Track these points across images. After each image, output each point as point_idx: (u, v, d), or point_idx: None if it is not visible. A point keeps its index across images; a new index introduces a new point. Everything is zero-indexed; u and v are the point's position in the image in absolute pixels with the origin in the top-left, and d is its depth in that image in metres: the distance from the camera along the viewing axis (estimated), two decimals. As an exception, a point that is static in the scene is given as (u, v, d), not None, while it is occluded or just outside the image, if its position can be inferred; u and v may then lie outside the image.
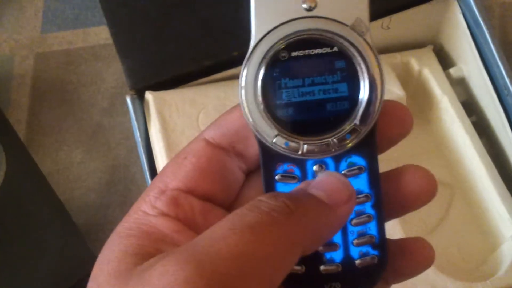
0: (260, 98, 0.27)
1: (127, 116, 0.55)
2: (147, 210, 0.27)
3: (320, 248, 0.28)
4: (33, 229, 0.64)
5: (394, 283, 0.29)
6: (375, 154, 0.28)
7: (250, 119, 0.27)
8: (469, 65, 0.58)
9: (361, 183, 0.28)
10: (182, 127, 0.53)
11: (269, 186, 0.28)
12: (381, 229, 0.28)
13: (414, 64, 0.59)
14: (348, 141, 0.27)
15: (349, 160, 0.28)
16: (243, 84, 0.27)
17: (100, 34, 0.72)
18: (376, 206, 0.28)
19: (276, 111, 0.27)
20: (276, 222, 0.24)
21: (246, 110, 0.27)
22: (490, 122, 0.57)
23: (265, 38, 0.27)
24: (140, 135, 0.53)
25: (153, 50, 0.56)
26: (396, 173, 0.28)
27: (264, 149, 0.27)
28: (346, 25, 0.27)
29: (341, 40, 0.27)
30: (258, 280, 0.22)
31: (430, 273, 0.48)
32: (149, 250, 0.25)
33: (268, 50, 0.27)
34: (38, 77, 0.72)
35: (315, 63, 0.27)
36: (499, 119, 0.54)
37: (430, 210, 0.54)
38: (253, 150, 0.28)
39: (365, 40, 0.27)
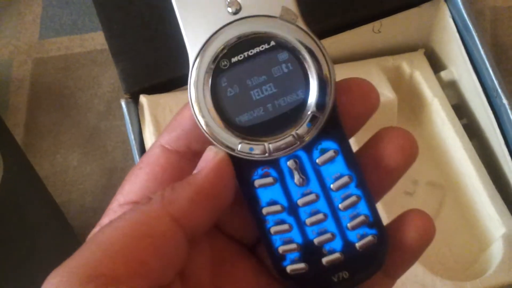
0: (214, 111, 0.27)
1: (124, 119, 0.56)
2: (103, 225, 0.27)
3: (317, 241, 0.27)
4: (29, 232, 0.65)
5: (397, 275, 0.29)
6: (343, 134, 0.28)
7: (210, 135, 0.27)
8: (460, 68, 0.58)
9: (339, 166, 0.27)
10: (175, 129, 0.53)
11: (250, 195, 0.28)
12: (371, 206, 0.28)
13: (406, 68, 0.60)
14: (310, 130, 0.27)
15: (320, 147, 0.27)
16: (193, 101, 0.27)
17: (97, 40, 0.73)
18: (360, 184, 0.27)
19: (233, 120, 0.27)
20: (136, 209, 0.25)
21: (204, 126, 0.27)
22: (480, 124, 0.58)
23: (202, 52, 0.27)
24: (135, 139, 0.54)
25: (147, 53, 0.57)
26: (373, 141, 0.28)
27: (233, 160, 0.27)
28: (275, 17, 0.27)
29: (274, 33, 0.26)
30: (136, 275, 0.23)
31: (419, 273, 0.49)
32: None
33: (208, 64, 0.27)
34: (36, 81, 0.73)
35: (257, 63, 0.27)
36: (489, 121, 0.55)
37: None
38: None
39: (297, 26, 0.27)
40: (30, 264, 0.67)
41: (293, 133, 0.27)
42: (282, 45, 0.27)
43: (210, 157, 0.27)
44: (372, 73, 0.57)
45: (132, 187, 0.28)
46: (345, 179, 0.27)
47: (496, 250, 0.51)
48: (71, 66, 0.73)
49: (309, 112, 0.27)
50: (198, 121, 0.27)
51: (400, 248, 0.28)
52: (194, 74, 0.27)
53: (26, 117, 0.71)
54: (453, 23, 0.57)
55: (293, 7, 0.27)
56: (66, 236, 0.67)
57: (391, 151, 0.27)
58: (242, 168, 0.27)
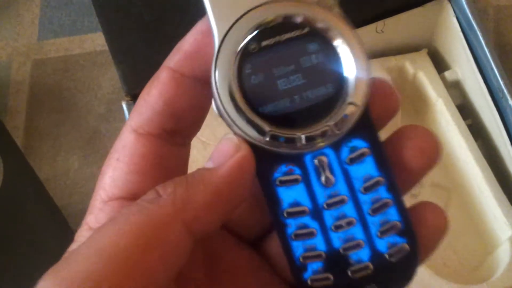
0: (240, 99, 0.24)
1: (124, 121, 0.55)
2: (91, 224, 0.25)
3: (343, 249, 0.25)
4: (30, 235, 0.64)
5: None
6: (375, 132, 0.25)
7: (234, 125, 0.24)
8: (464, 68, 0.58)
9: (369, 167, 0.25)
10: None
11: (271, 194, 0.25)
12: (403, 212, 0.25)
13: (409, 68, 0.59)
14: (347, 121, 0.24)
15: (349, 145, 0.25)
16: (218, 87, 0.24)
17: (97, 41, 0.73)
18: (391, 188, 0.25)
19: (261, 109, 0.24)
20: (142, 209, 0.22)
21: (227, 115, 0.24)
22: (485, 124, 0.57)
23: (229, 34, 0.24)
24: (136, 141, 0.53)
25: (148, 55, 0.56)
26: (393, 139, 0.26)
27: (255, 153, 0.24)
28: (312, 2, 0.25)
29: (309, 19, 0.24)
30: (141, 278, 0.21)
31: (425, 276, 0.48)
32: None
33: (237, 44, 0.24)
34: (35, 83, 0.72)
35: (290, 49, 0.25)
36: (494, 121, 0.54)
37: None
38: (187, 120, 0.26)
39: (334, 13, 0.25)
40: (31, 267, 0.66)
41: (329, 123, 0.24)
42: (317, 33, 0.25)
43: (231, 151, 0.24)
44: (376, 74, 0.57)
45: (114, 181, 0.25)
46: (375, 181, 0.25)
47: (503, 253, 0.50)
48: (70, 68, 0.72)
49: (345, 103, 0.25)
50: (222, 105, 0.24)
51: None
52: (221, 54, 0.24)
53: (26, 119, 0.71)
54: (457, 23, 0.56)
55: None
56: (66, 239, 0.66)
57: (413, 152, 0.25)
58: (263, 163, 0.25)
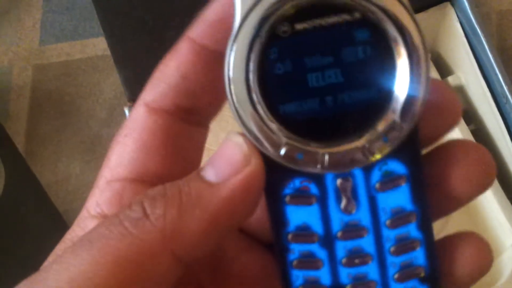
0: (257, 93, 0.19)
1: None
2: (90, 209, 0.22)
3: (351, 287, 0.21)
4: (31, 240, 0.64)
5: None
6: (418, 156, 0.21)
7: (245, 123, 0.20)
8: (467, 73, 0.57)
9: (402, 198, 0.21)
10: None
11: (276, 211, 0.21)
12: (431, 256, 0.21)
13: (412, 73, 0.59)
14: (385, 146, 0.20)
15: (384, 168, 0.20)
16: (231, 75, 0.20)
17: (98, 46, 0.73)
18: (424, 226, 0.21)
19: (281, 110, 0.20)
20: (125, 234, 0.19)
21: (238, 111, 0.20)
22: (489, 130, 0.57)
23: (256, 8, 0.19)
24: (138, 146, 0.53)
25: (150, 60, 0.56)
26: (440, 156, 0.21)
27: (267, 161, 0.20)
28: None
29: (365, 2, 0.19)
30: None
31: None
32: None
33: (262, 25, 0.19)
34: (36, 88, 0.72)
35: (330, 38, 0.19)
36: (498, 127, 0.54)
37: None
38: (204, 100, 0.22)
39: (399, 1, 0.19)
40: (32, 272, 0.66)
41: (362, 145, 0.19)
42: (371, 23, 0.19)
43: (238, 162, 0.20)
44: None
45: (120, 159, 0.22)
46: (406, 216, 0.21)
47: (507, 259, 0.50)
48: (72, 73, 0.72)
49: (389, 120, 0.19)
50: (233, 96, 0.20)
51: (447, 281, 0.22)
52: (241, 33, 0.19)
53: (27, 125, 0.71)
54: (460, 28, 0.56)
55: None
56: (68, 245, 0.66)
57: (463, 179, 0.21)
58: (273, 174, 0.20)
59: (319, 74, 0.19)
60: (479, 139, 0.56)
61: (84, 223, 0.22)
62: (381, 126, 0.19)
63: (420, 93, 0.19)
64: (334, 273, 0.21)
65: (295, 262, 0.21)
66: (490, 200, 0.53)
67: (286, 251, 0.21)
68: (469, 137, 0.56)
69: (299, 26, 0.19)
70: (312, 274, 0.21)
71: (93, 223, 0.21)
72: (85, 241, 0.19)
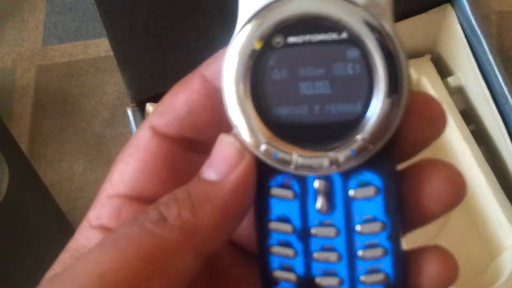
0: (247, 94, 0.22)
1: (129, 127, 0.55)
2: (92, 220, 0.24)
3: (319, 280, 0.23)
4: (35, 240, 0.64)
5: None
6: (394, 170, 0.22)
7: (234, 122, 0.22)
8: (467, 74, 0.58)
9: (375, 208, 0.22)
10: (182, 138, 0.53)
11: (260, 201, 0.23)
12: (397, 266, 0.22)
13: (413, 73, 0.59)
14: (352, 159, 0.21)
15: (360, 177, 0.22)
16: (226, 77, 0.22)
17: (101, 46, 0.73)
18: (393, 237, 0.22)
19: (267, 113, 0.22)
20: (149, 233, 0.20)
21: (229, 110, 0.22)
22: (488, 130, 0.57)
23: (254, 19, 0.21)
24: (141, 147, 0.53)
25: (153, 61, 0.56)
26: (413, 175, 0.23)
27: (256, 157, 0.22)
28: (359, 4, 0.21)
29: (353, 24, 0.21)
30: None
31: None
32: None
33: (258, 35, 0.21)
34: (39, 89, 0.72)
35: (318, 53, 0.21)
36: (498, 127, 0.54)
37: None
38: (209, 134, 0.24)
39: (382, 23, 0.21)
40: (35, 272, 0.67)
41: (330, 154, 0.21)
42: (355, 42, 0.21)
43: (234, 158, 0.22)
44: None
45: (122, 176, 0.24)
46: (377, 225, 0.22)
47: (507, 259, 0.50)
48: (75, 73, 0.72)
49: (358, 137, 0.21)
50: (224, 99, 0.22)
51: None
52: (238, 42, 0.21)
53: (31, 125, 0.71)
54: (460, 29, 0.56)
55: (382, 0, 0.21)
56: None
57: (433, 198, 0.22)
58: (261, 168, 0.22)
59: (305, 83, 0.21)
60: (479, 139, 0.57)
61: (86, 233, 0.23)
62: (352, 140, 0.21)
63: (393, 116, 0.21)
64: (307, 265, 0.23)
65: (272, 248, 0.23)
66: (490, 200, 0.53)
67: (265, 237, 0.23)
68: (469, 137, 0.56)
69: (292, 40, 0.21)
70: (287, 261, 0.23)
71: (94, 234, 0.23)
72: (110, 241, 0.21)
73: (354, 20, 0.21)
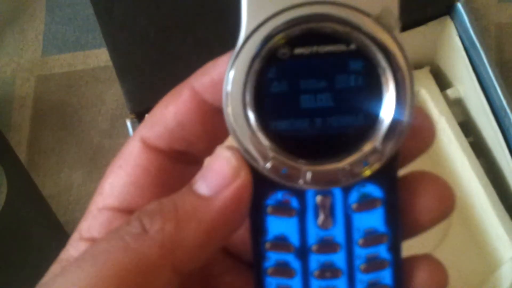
0: (251, 107, 0.21)
1: (128, 138, 0.55)
2: (82, 232, 0.24)
3: None
4: (33, 250, 0.64)
5: None
6: (395, 182, 0.22)
7: (237, 135, 0.21)
8: (466, 86, 0.58)
9: (376, 219, 0.22)
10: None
11: (257, 220, 0.22)
12: (398, 277, 0.22)
13: (412, 85, 0.59)
14: (365, 169, 0.21)
15: (362, 190, 0.22)
16: (228, 88, 0.21)
17: (100, 57, 0.73)
18: (394, 248, 0.22)
19: (272, 126, 0.21)
20: (127, 248, 0.20)
21: (232, 123, 0.21)
22: (487, 142, 0.57)
23: (260, 29, 0.21)
24: (140, 158, 0.53)
25: (152, 73, 0.56)
26: (404, 187, 0.23)
27: (253, 173, 0.21)
28: (369, 16, 0.20)
29: (362, 35, 0.20)
30: None
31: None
32: None
33: (263, 45, 0.21)
34: (39, 99, 0.72)
35: (325, 64, 0.21)
36: (497, 139, 0.54)
37: (429, 231, 0.54)
38: (198, 147, 0.23)
39: (393, 36, 0.20)
40: (33, 283, 0.66)
41: (343, 166, 0.21)
42: (364, 54, 0.21)
43: (228, 175, 0.21)
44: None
45: (112, 189, 0.24)
46: (378, 237, 0.22)
47: (506, 272, 0.50)
48: (74, 83, 0.72)
49: (371, 146, 0.21)
50: (226, 113, 0.21)
51: None
52: (244, 51, 0.21)
53: (29, 135, 0.71)
54: (459, 41, 0.56)
55: (395, 11, 0.21)
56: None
57: (425, 209, 0.23)
58: (258, 184, 0.21)
59: (311, 96, 0.21)
60: (478, 151, 0.57)
61: (77, 245, 0.23)
62: (363, 151, 0.21)
63: (403, 125, 0.21)
64: (306, 284, 0.22)
65: (270, 270, 0.22)
66: (488, 213, 0.53)
67: (263, 259, 0.22)
68: (468, 149, 0.56)
69: (298, 51, 0.21)
70: (284, 282, 0.22)
71: (84, 246, 0.23)
72: (88, 256, 0.21)
73: (364, 32, 0.20)
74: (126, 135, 0.68)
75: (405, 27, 0.56)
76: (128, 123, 0.54)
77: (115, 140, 0.70)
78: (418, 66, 0.61)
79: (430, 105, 0.58)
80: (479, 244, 0.55)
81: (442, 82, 0.61)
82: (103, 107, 0.71)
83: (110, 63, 0.57)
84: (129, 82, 0.55)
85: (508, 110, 0.52)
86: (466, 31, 0.55)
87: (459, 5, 0.54)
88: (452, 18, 0.57)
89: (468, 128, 0.59)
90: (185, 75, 0.57)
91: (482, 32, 0.62)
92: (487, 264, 0.53)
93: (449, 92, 0.59)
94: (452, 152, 0.57)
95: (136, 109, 0.55)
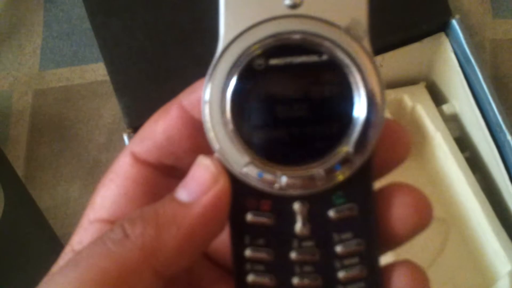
0: (228, 116, 0.22)
1: (124, 152, 0.55)
2: (74, 245, 0.24)
3: None
4: (30, 264, 0.64)
5: None
6: (370, 191, 0.23)
7: (216, 143, 0.22)
8: (461, 101, 0.58)
9: (352, 228, 0.22)
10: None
11: (236, 229, 0.23)
12: (377, 285, 0.23)
13: (407, 101, 0.60)
14: (338, 173, 0.22)
15: (339, 198, 0.22)
16: (207, 98, 0.22)
17: (98, 71, 0.73)
18: (372, 256, 0.23)
19: (249, 133, 0.22)
20: (108, 253, 0.20)
21: (211, 131, 0.22)
22: (483, 157, 0.58)
23: (237, 41, 0.22)
24: (137, 173, 0.53)
25: (150, 88, 0.57)
26: (381, 198, 0.23)
27: (233, 181, 0.22)
28: (339, 27, 0.22)
29: (333, 46, 0.21)
30: None
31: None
32: None
33: (240, 57, 0.22)
34: (36, 113, 0.72)
35: (299, 74, 0.22)
36: (492, 155, 0.55)
37: (425, 246, 0.54)
38: (187, 161, 0.24)
39: (362, 46, 0.22)
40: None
41: (317, 171, 0.22)
42: (335, 64, 0.22)
43: (208, 181, 0.22)
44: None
45: (103, 201, 0.24)
46: (355, 246, 0.22)
47: (503, 287, 0.50)
48: (71, 98, 0.73)
49: (344, 151, 0.22)
50: (205, 121, 0.22)
51: None
52: (221, 63, 0.22)
53: (27, 149, 0.71)
54: (454, 57, 0.57)
55: (364, 21, 0.22)
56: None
57: (401, 220, 0.23)
58: (237, 193, 0.22)
59: (286, 105, 0.22)
60: (473, 166, 0.57)
61: (68, 258, 0.23)
62: (336, 155, 0.22)
63: (374, 128, 0.22)
64: None
65: (249, 278, 0.23)
66: (485, 229, 0.53)
67: (242, 266, 0.23)
68: (464, 164, 0.56)
69: (273, 62, 0.22)
70: None
71: None
72: (71, 263, 0.21)
73: (335, 43, 0.21)
74: (123, 149, 0.68)
75: (401, 44, 0.57)
76: (125, 137, 0.54)
77: (112, 154, 0.70)
78: (414, 82, 0.62)
79: (426, 121, 0.59)
80: (476, 259, 0.55)
81: (437, 97, 0.62)
82: (100, 121, 0.71)
83: (107, 78, 0.58)
84: (126, 97, 0.56)
85: (503, 126, 0.53)
86: (461, 47, 0.56)
87: (454, 22, 0.55)
88: (447, 35, 0.57)
89: (463, 143, 0.60)
90: (182, 91, 0.58)
91: (477, 48, 0.62)
92: (484, 279, 0.54)
93: (445, 107, 0.60)
94: (448, 167, 0.57)
95: (133, 124, 0.55)
